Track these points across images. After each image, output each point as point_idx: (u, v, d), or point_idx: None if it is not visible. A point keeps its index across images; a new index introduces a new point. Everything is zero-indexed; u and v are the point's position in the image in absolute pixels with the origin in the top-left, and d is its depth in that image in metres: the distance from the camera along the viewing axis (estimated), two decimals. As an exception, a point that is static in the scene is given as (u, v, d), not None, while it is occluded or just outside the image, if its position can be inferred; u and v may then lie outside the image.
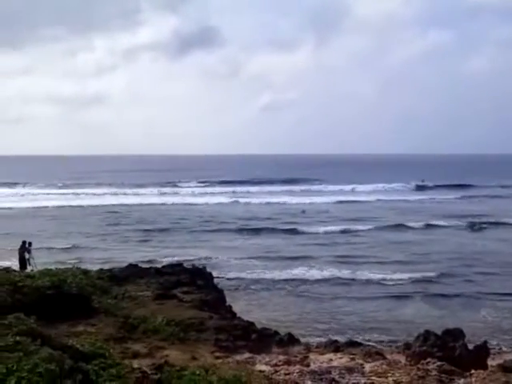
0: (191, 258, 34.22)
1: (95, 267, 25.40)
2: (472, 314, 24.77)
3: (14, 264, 26.65)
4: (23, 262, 26.74)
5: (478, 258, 36.05)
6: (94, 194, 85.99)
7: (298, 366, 14.64)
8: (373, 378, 14.00)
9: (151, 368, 12.15)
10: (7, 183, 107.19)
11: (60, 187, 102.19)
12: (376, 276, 31.04)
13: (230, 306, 21.49)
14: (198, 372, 11.46)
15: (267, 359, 15.39)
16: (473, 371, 14.95)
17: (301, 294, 28.02)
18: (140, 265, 26.20)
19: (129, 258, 32.74)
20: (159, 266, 26.96)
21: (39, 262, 26.83)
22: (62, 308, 15.80)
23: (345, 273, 31.83)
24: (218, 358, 14.54)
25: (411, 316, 24.52)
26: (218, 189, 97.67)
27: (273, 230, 48.98)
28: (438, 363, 14.83)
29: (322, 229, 48.85)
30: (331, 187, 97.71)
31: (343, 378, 13.91)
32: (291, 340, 17.89)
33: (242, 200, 76.87)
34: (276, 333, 18.25)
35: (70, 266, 22.10)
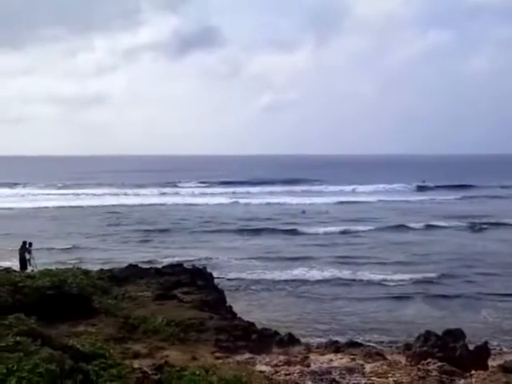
0: (191, 258, 34.20)
1: (95, 267, 25.39)
2: (472, 314, 24.76)
3: (15, 264, 26.65)
4: (24, 263, 26.74)
5: (478, 258, 36.03)
6: (94, 195, 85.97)
7: (298, 367, 14.63)
8: (373, 378, 13.98)
9: (151, 368, 12.15)
10: (7, 183, 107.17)
11: (60, 187, 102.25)
12: (376, 277, 31.02)
13: (231, 307, 21.48)
14: (198, 372, 11.46)
15: (267, 359, 15.38)
16: (473, 372, 14.94)
17: (301, 295, 28.02)
18: (140, 265, 26.20)
19: (129, 258, 32.71)
20: (159, 266, 26.96)
21: (39, 262, 26.83)
22: (62, 308, 15.79)
23: (345, 273, 31.82)
24: (218, 358, 14.53)
25: (412, 316, 24.52)
26: (218, 189, 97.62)
27: (273, 231, 48.97)
28: (439, 364, 14.81)
29: (322, 229, 48.82)
30: (332, 188, 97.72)
31: (344, 378, 13.90)
32: (291, 340, 17.87)
33: (242, 200, 76.88)
34: (276, 333, 18.23)
35: (71, 267, 22.08)
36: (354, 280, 30.65)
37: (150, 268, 25.54)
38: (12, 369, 8.80)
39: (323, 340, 19.55)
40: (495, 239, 44.24)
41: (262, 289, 28.95)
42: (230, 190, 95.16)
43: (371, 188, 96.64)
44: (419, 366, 14.87)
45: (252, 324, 18.55)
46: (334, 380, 13.59)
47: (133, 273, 23.49)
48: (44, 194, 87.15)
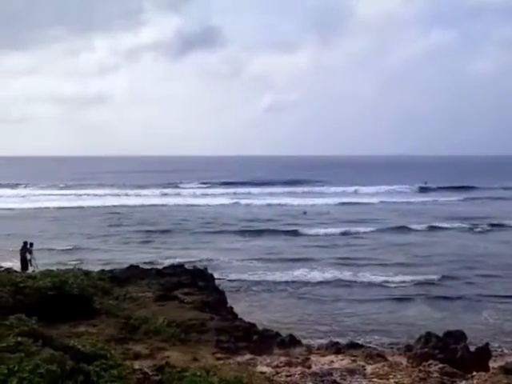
0: (192, 259, 34.18)
1: (96, 268, 25.44)
2: (473, 316, 24.75)
3: (16, 265, 26.69)
4: (25, 263, 26.79)
5: (480, 260, 35.99)
6: (96, 195, 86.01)
7: (299, 368, 14.62)
8: (374, 379, 13.98)
9: (152, 369, 12.14)
10: (9, 184, 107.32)
11: (61, 188, 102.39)
12: (378, 278, 31.00)
13: (232, 308, 21.49)
14: (199, 373, 11.46)
15: (268, 361, 15.38)
16: (474, 373, 14.94)
17: (302, 296, 28.01)
18: (141, 266, 26.21)
19: (130, 259, 32.70)
20: (160, 267, 26.98)
21: (40, 262, 26.85)
22: (63, 309, 15.79)
23: (346, 275, 31.81)
24: (219, 359, 14.52)
25: (412, 318, 24.51)
26: (219, 190, 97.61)
27: (274, 232, 48.95)
28: (440, 365, 14.81)
29: (323, 230, 48.78)
30: (333, 189, 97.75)
31: (345, 379, 13.90)
32: (292, 341, 17.87)
33: (243, 201, 76.90)
34: (277, 334, 18.23)
35: (72, 267, 22.11)
36: (355, 281, 30.63)
37: (151, 269, 25.57)
38: (13, 369, 8.81)
39: (324, 341, 19.55)
40: (497, 241, 44.21)
41: (262, 290, 28.94)
42: (231, 190, 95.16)
43: (373, 189, 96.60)
44: (420, 368, 14.87)
45: (253, 325, 18.54)
46: (335, 381, 13.58)
47: (134, 273, 23.50)
48: (45, 195, 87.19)
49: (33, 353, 9.63)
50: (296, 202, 75.96)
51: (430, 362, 15.24)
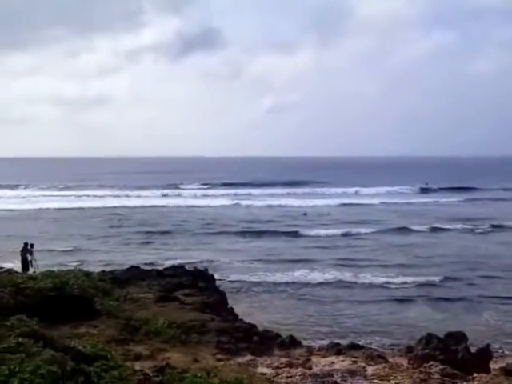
0: (193, 260, 34.14)
1: (97, 269, 25.44)
2: (474, 317, 24.71)
3: (17, 266, 26.70)
4: (25, 264, 26.81)
5: (481, 261, 35.91)
6: (96, 196, 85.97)
7: (299, 369, 14.62)
8: (375, 381, 13.98)
9: (153, 370, 12.14)
10: (9, 185, 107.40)
11: (62, 189, 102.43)
12: (378, 279, 30.96)
13: (232, 309, 21.48)
14: (199, 374, 11.46)
15: (269, 362, 15.38)
16: (475, 375, 14.95)
17: (302, 297, 27.96)
18: (142, 267, 26.24)
19: (131, 260, 32.71)
20: (161, 268, 26.99)
21: (41, 263, 26.88)
22: (64, 310, 15.80)
23: (347, 276, 31.75)
24: (219, 360, 14.53)
25: (413, 319, 24.46)
26: (219, 191, 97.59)
27: (275, 233, 48.89)
28: (441, 366, 14.80)
29: (324, 231, 48.76)
30: (334, 190, 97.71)
31: (345, 381, 13.90)
32: (293, 343, 17.87)
33: (243, 202, 76.88)
34: (278, 335, 18.23)
35: (72, 268, 22.15)
36: (355, 282, 30.58)
37: (152, 270, 25.61)
38: (14, 370, 8.81)
39: (325, 342, 19.53)
40: (498, 242, 44.12)
41: (263, 291, 28.91)
42: (232, 191, 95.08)
43: (374, 190, 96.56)
44: (421, 369, 14.86)
45: (253, 326, 18.56)
46: (335, 382, 13.58)
47: (134, 274, 23.52)
48: (45, 196, 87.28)
49: (34, 354, 9.63)
50: (296, 203, 75.94)
51: (431, 363, 15.23)
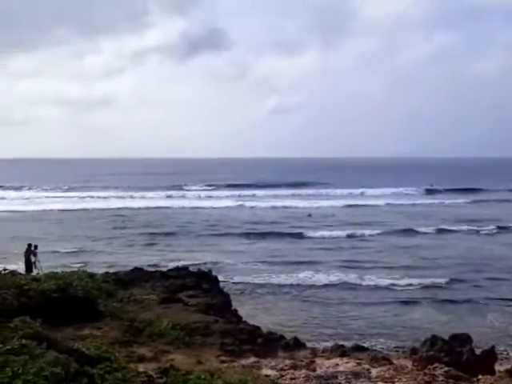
0: (197, 261, 34.17)
1: (101, 271, 25.45)
2: (479, 319, 24.64)
3: (20, 267, 26.67)
4: (29, 265, 26.80)
5: (487, 263, 35.77)
6: (100, 197, 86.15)
7: (304, 371, 14.59)
8: (379, 383, 13.94)
9: (157, 372, 12.13)
10: (13, 186, 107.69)
11: (65, 190, 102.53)
12: (383, 281, 30.88)
13: (236, 310, 21.45)
14: (203, 376, 11.44)
15: (273, 363, 15.35)
16: (480, 376, 14.89)
17: (307, 299, 27.92)
18: (146, 268, 26.23)
19: (134, 261, 32.72)
20: (165, 269, 26.96)
21: (45, 265, 26.88)
22: (67, 311, 15.79)
23: (352, 277, 31.68)
24: (223, 362, 14.50)
25: (418, 321, 24.40)
26: (224, 192, 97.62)
27: (279, 234, 48.87)
28: (445, 368, 14.74)
29: (328, 233, 48.74)
30: (339, 191, 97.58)
31: (349, 382, 13.86)
32: (297, 344, 17.82)
33: (248, 203, 76.88)
34: (282, 337, 18.19)
35: (76, 270, 22.13)
36: (360, 284, 30.53)
37: (156, 271, 25.59)
38: (17, 372, 8.80)
39: (329, 344, 19.49)
40: (504, 243, 43.96)
41: (267, 292, 28.88)
42: (236, 192, 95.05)
43: (380, 191, 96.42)
44: (425, 371, 14.80)
45: (257, 328, 18.51)
46: (339, 384, 13.54)
47: (138, 276, 23.49)
48: (49, 197, 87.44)
49: (37, 355, 9.61)
50: (301, 204, 75.84)
51: (436, 365, 15.17)
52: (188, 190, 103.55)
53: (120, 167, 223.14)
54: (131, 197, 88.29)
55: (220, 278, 26.36)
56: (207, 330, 16.78)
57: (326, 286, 30.26)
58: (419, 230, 50.31)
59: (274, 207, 73.50)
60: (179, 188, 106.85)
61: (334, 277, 31.84)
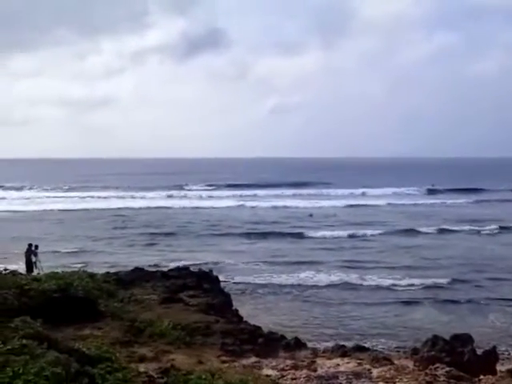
0: (198, 261, 34.14)
1: (101, 271, 25.43)
2: (481, 319, 24.62)
3: (21, 267, 26.66)
4: (30, 265, 26.80)
5: (488, 263, 35.74)
6: (100, 197, 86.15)
7: (305, 371, 14.56)
8: (380, 383, 13.91)
9: (157, 372, 12.11)
10: (13, 186, 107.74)
11: (66, 190, 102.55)
12: (385, 281, 30.86)
13: (237, 310, 21.44)
14: (204, 376, 11.42)
15: (274, 363, 15.32)
16: (481, 377, 14.86)
17: (308, 299, 27.91)
18: (146, 268, 26.21)
19: (135, 261, 32.71)
20: (165, 269, 26.94)
21: (45, 265, 26.87)
22: (68, 311, 15.78)
23: (353, 278, 31.66)
24: (224, 362, 14.48)
25: (420, 321, 24.39)
26: (224, 192, 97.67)
27: (280, 234, 48.87)
28: (447, 368, 14.71)
29: (329, 233, 48.73)
30: (340, 191, 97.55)
31: (350, 383, 13.84)
32: (298, 344, 17.79)
33: (248, 203, 76.90)
34: (283, 337, 18.15)
35: (77, 270, 22.10)
36: (361, 284, 30.51)
37: (156, 271, 25.58)
38: (18, 372, 8.78)
39: (330, 344, 19.46)
40: (505, 243, 43.94)
41: (268, 292, 28.87)
42: (237, 192, 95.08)
43: (381, 191, 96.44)
44: (427, 371, 14.77)
45: (258, 328, 18.48)
46: (340, 385, 13.52)
47: (139, 276, 23.48)
48: (50, 197, 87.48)
49: (38, 355, 9.59)
50: (302, 204, 75.87)
51: (437, 365, 15.14)
52: (189, 190, 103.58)
53: (120, 167, 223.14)
54: (132, 197, 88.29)
55: (221, 277, 26.35)
56: (208, 330, 16.76)
57: (327, 286, 30.24)
58: (421, 230, 50.28)
59: (275, 207, 73.50)
60: (180, 188, 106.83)
61: (335, 277, 31.82)
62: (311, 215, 63.25)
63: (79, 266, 30.63)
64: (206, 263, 33.66)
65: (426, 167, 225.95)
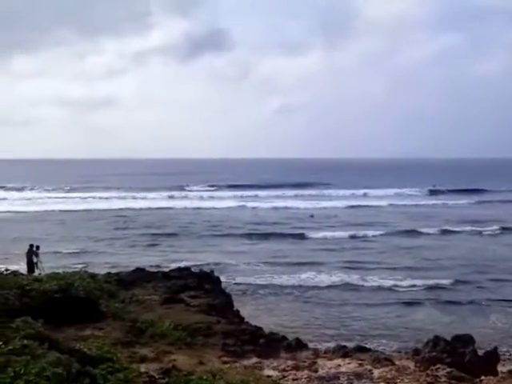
0: (199, 262, 34.15)
1: (103, 271, 25.45)
2: (482, 320, 24.58)
3: (22, 267, 26.67)
4: (31, 266, 26.80)
5: (490, 264, 35.67)
6: (102, 198, 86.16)
7: (306, 372, 14.56)
8: (381, 383, 13.91)
9: (158, 372, 12.11)
10: (15, 187, 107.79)
11: (67, 191, 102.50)
12: (386, 282, 30.83)
13: (238, 311, 21.43)
14: (205, 377, 11.42)
15: (275, 364, 15.32)
16: (483, 377, 14.87)
17: (309, 300, 27.89)
18: (147, 269, 26.21)
19: (136, 262, 32.71)
20: (167, 270, 26.94)
21: (47, 265, 26.87)
22: (69, 312, 15.77)
23: (354, 278, 31.63)
24: (225, 362, 14.48)
25: (421, 322, 24.36)
26: (226, 193, 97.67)
27: (281, 235, 48.83)
28: (448, 369, 14.71)
29: (330, 234, 48.68)
30: (341, 192, 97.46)
31: (351, 383, 13.82)
32: (299, 345, 17.80)
33: (250, 204, 76.88)
34: (284, 338, 18.16)
35: (78, 270, 22.11)
36: (362, 285, 30.47)
37: (158, 272, 25.57)
38: (19, 372, 8.78)
39: (331, 345, 19.45)
40: (507, 244, 43.88)
41: (269, 293, 28.86)
42: (238, 193, 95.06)
43: (382, 192, 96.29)
44: (428, 372, 14.78)
45: (259, 328, 18.48)
46: (342, 385, 13.51)
47: (140, 276, 23.48)
48: (51, 198, 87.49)
49: (39, 356, 9.60)
50: (303, 204, 75.76)
51: (438, 366, 15.15)
52: (190, 191, 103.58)
53: (122, 168, 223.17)
54: (133, 197, 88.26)
55: (222, 278, 26.32)
56: (209, 331, 16.76)
57: (328, 286, 30.21)
58: (422, 230, 50.20)
59: (276, 208, 73.46)
60: (181, 188, 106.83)
61: (337, 278, 31.80)
62: (312, 216, 63.20)
63: (80, 266, 30.65)
64: (207, 264, 33.67)
65: (428, 168, 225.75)
